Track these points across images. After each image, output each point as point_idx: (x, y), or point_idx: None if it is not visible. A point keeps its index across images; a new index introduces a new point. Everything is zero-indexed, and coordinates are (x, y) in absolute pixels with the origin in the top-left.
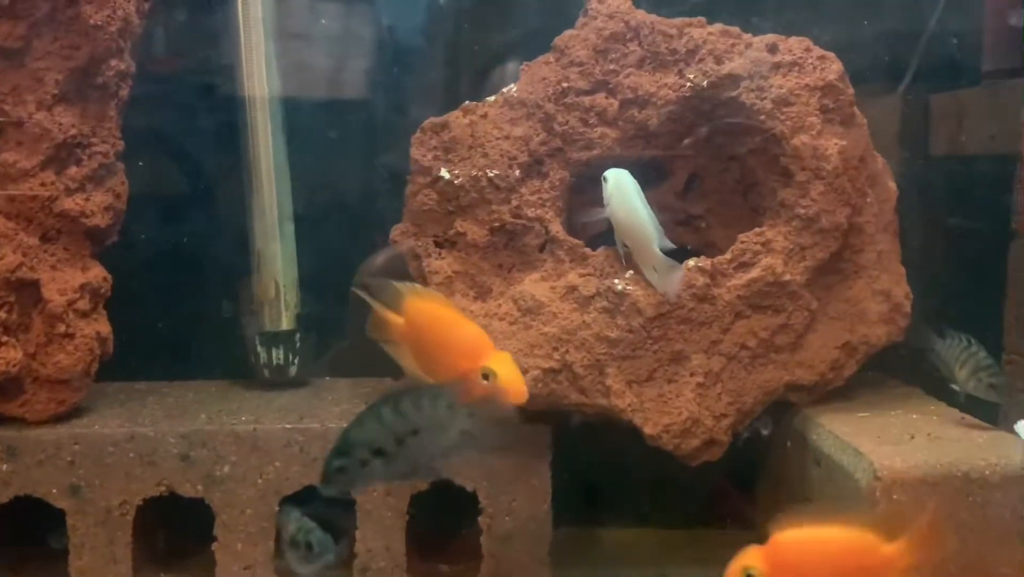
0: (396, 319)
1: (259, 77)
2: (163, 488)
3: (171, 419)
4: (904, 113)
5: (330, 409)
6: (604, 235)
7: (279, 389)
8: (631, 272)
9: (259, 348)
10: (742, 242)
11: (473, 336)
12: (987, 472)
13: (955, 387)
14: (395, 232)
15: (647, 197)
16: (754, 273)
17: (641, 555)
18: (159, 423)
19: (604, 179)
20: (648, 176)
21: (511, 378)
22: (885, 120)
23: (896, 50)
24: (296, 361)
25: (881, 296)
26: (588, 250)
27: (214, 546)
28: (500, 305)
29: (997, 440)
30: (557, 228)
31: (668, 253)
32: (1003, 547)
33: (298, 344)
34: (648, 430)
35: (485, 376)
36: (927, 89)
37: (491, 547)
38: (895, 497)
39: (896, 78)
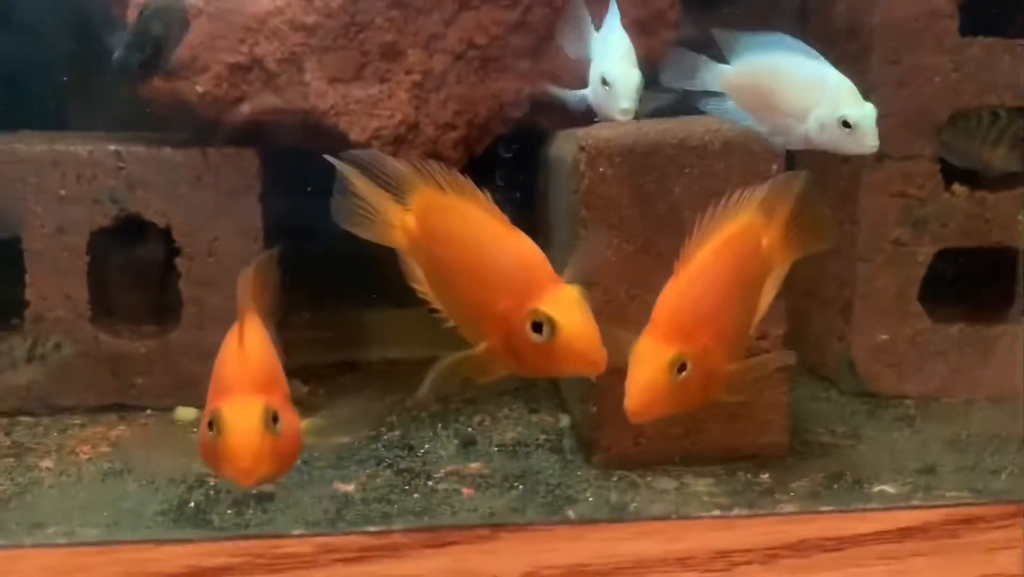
0: (401, 216)
1: None
2: None
3: None
4: None
5: None
6: None
7: None
8: None
9: None
10: None
11: (522, 256)
12: (706, 138)
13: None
14: None
15: None
16: None
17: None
18: None
19: None
20: None
21: (579, 334)
22: None
23: None
24: None
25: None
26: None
27: None
28: None
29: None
30: None
31: None
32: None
33: None
34: (354, 136)
35: (537, 327)
36: None
37: (192, 293)
38: (601, 170)
39: None
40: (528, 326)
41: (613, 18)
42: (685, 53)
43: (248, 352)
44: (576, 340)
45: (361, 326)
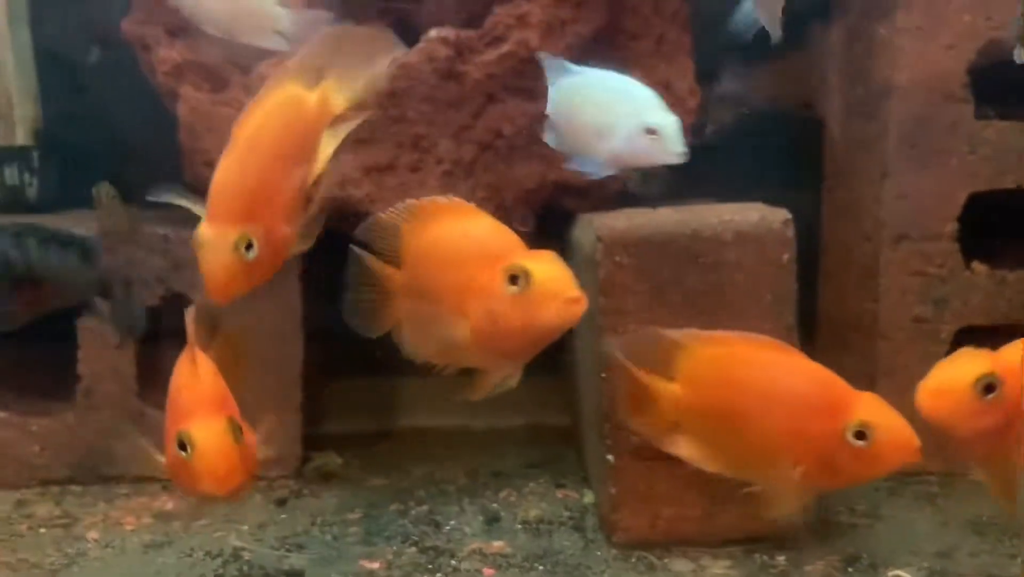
0: (392, 273)
1: None
2: None
3: None
4: None
5: None
6: None
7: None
8: None
9: None
10: (496, 15)
11: (494, 232)
12: (719, 229)
13: None
14: (125, 23)
15: None
16: (506, 48)
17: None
18: None
19: None
20: None
21: (553, 276)
22: None
23: None
24: (35, 182)
25: (660, 88)
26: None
27: None
28: (233, 95)
29: (745, 208)
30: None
31: None
32: (738, 309)
33: (37, 163)
34: None
35: (513, 279)
36: None
37: None
38: (617, 259)
39: None
40: (505, 282)
41: (621, 76)
42: None
43: (202, 376)
44: (550, 281)
45: (395, 394)
